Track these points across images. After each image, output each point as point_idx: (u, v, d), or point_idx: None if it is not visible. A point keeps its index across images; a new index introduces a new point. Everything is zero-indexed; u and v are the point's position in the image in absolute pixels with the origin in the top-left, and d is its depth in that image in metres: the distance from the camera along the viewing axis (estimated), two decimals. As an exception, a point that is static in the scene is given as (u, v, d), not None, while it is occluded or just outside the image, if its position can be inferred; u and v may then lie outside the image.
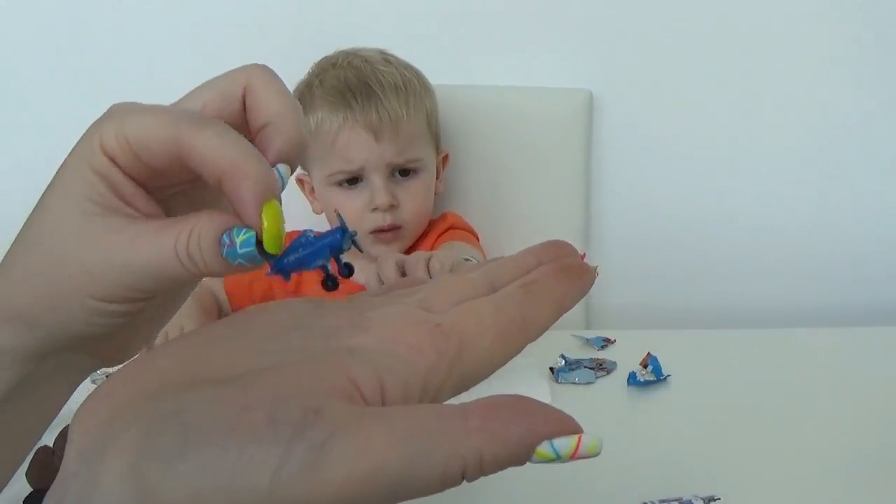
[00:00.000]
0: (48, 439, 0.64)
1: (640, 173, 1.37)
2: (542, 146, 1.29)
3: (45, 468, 0.61)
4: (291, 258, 0.35)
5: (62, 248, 0.34)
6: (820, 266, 1.41)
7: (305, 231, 0.35)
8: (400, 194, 1.09)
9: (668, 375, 0.91)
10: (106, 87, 1.33)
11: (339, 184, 1.10)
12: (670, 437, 0.81)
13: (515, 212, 1.29)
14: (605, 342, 1.02)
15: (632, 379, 0.91)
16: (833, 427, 0.83)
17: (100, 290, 0.34)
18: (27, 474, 0.62)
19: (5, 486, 0.40)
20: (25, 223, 0.36)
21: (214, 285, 1.15)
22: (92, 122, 0.35)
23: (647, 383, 0.90)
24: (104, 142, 0.34)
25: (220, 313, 1.13)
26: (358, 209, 1.09)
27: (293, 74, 1.13)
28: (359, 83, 1.07)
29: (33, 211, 0.36)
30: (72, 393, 0.42)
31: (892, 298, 1.41)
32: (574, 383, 0.91)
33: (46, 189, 0.36)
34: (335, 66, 1.11)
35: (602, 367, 0.94)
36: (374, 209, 1.08)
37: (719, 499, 0.67)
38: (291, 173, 0.36)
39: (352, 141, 1.06)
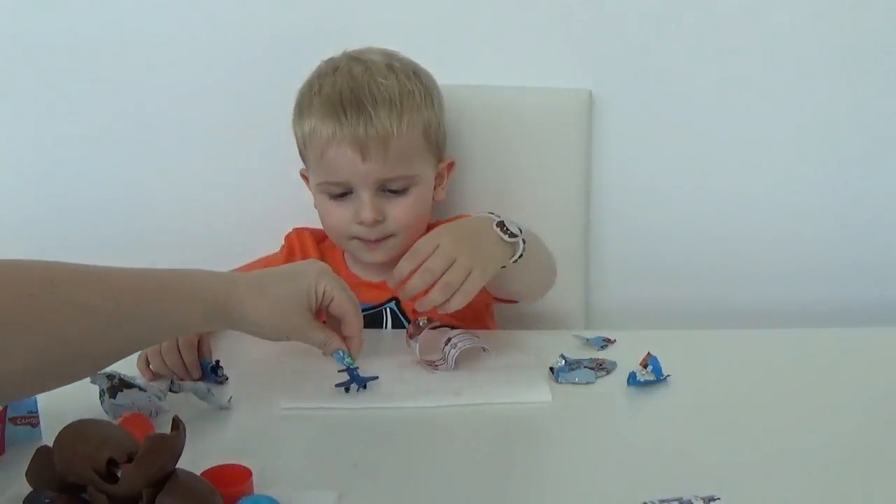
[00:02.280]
0: (48, 439, 0.64)
1: (640, 173, 1.37)
2: (542, 146, 1.29)
3: (45, 468, 0.61)
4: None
5: (288, 313, 0.84)
6: (820, 266, 1.41)
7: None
8: (388, 208, 1.08)
9: (668, 375, 0.91)
10: (108, 87, 1.33)
11: (329, 194, 1.10)
12: (670, 437, 0.81)
13: (515, 212, 1.28)
14: (605, 342, 1.02)
15: (632, 379, 0.91)
16: (833, 427, 0.83)
17: (286, 336, 0.85)
18: (27, 474, 0.62)
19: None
20: (268, 278, 0.85)
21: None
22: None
23: (647, 383, 0.90)
24: (326, 286, 0.85)
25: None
26: (345, 219, 1.09)
27: (290, 73, 1.13)
28: (351, 96, 1.06)
29: (277, 273, 0.87)
30: None
31: (892, 298, 1.41)
32: (574, 383, 0.91)
33: (288, 268, 0.89)
34: (336, 71, 1.10)
35: (602, 367, 0.94)
36: (360, 223, 1.08)
37: (719, 499, 0.67)
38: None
39: (338, 157, 1.05)
